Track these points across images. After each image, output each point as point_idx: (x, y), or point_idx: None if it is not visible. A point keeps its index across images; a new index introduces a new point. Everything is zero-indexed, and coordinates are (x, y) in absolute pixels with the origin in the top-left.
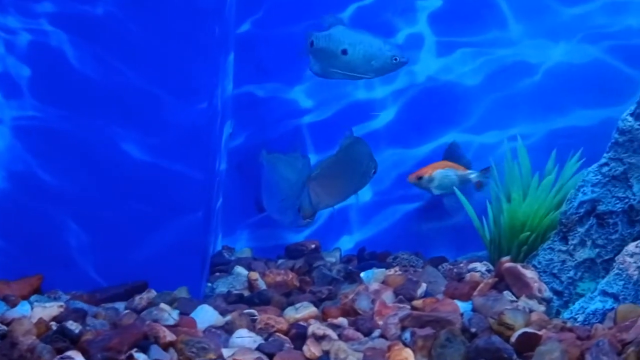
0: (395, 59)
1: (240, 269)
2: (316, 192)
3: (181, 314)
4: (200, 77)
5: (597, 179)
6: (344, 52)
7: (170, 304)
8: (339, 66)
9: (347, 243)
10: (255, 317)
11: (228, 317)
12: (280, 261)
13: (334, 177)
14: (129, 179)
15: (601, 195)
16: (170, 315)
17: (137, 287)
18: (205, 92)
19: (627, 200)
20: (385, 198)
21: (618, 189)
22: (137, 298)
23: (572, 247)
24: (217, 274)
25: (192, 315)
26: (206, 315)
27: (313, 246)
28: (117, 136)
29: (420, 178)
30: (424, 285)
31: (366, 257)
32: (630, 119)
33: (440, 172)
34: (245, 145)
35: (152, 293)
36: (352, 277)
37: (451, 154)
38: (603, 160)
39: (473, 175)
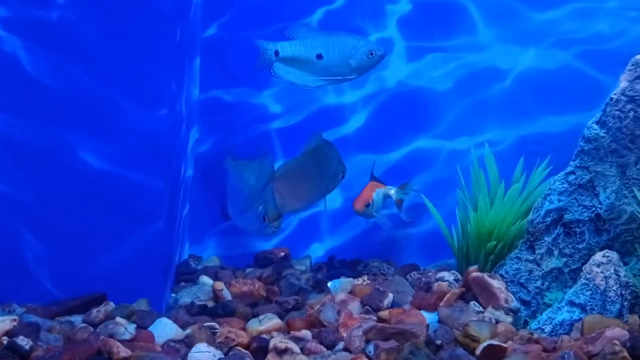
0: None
1: (205, 279)
2: (281, 193)
3: (139, 327)
4: (160, 82)
5: (563, 187)
6: (319, 56)
7: (128, 317)
8: (317, 72)
9: (318, 250)
10: (216, 330)
11: (188, 331)
12: (248, 270)
13: (299, 179)
14: (87, 188)
15: (568, 204)
16: (127, 329)
17: (94, 300)
18: (166, 98)
19: (593, 209)
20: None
21: (585, 198)
22: (94, 311)
23: (539, 256)
24: (183, 283)
25: (150, 328)
26: (165, 329)
27: (282, 254)
28: (74, 144)
29: (368, 205)
30: (390, 296)
31: (336, 265)
32: (596, 126)
33: (374, 195)
34: (212, 151)
35: (110, 305)
36: (320, 287)
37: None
38: (569, 169)
39: (392, 191)
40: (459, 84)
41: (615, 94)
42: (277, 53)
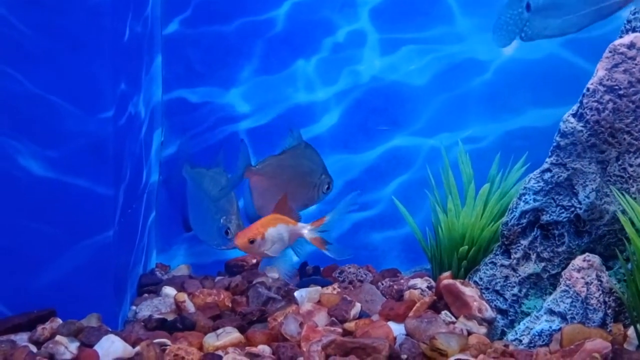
0: None
1: (169, 290)
2: (258, 191)
3: (84, 345)
4: (103, 82)
5: (539, 186)
6: None
7: (75, 334)
8: (565, 13)
9: (294, 256)
10: (166, 347)
11: (137, 348)
12: (217, 279)
13: (279, 179)
14: (30, 198)
15: (545, 204)
16: (67, 348)
17: (42, 316)
18: (111, 99)
19: (572, 209)
20: (332, 207)
21: (563, 197)
22: (39, 328)
23: (515, 261)
24: (146, 295)
25: (96, 346)
26: (112, 347)
27: (255, 261)
28: (13, 150)
29: (252, 242)
30: (358, 306)
31: (309, 272)
32: (572, 120)
33: (272, 231)
34: (179, 154)
35: (57, 322)
36: (291, 296)
37: (282, 205)
38: (545, 166)
39: (306, 230)
40: (437, 78)
41: (592, 84)
42: (528, 7)
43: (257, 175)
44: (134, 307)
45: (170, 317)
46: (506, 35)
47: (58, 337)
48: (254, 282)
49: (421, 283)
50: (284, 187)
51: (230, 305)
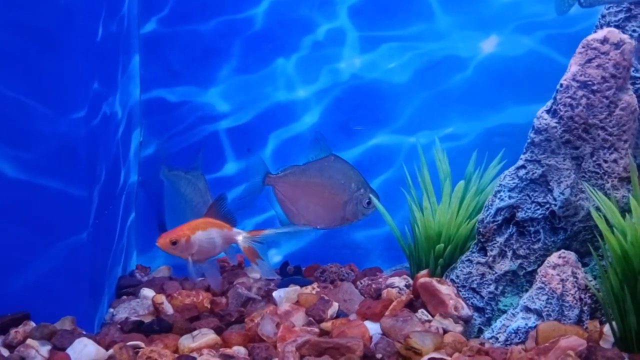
0: None
1: (147, 292)
2: (289, 198)
3: (56, 349)
4: (75, 82)
5: (514, 183)
6: None
7: (48, 337)
8: None
9: (275, 256)
10: (139, 350)
11: (110, 351)
12: (198, 279)
13: (303, 189)
14: (1, 199)
15: (520, 201)
16: (38, 352)
17: (15, 320)
18: (82, 99)
19: (548, 205)
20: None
21: (538, 194)
22: (12, 332)
23: (491, 258)
24: (124, 297)
25: (68, 350)
26: (84, 350)
27: (237, 262)
28: None
29: (174, 243)
30: (335, 305)
31: (289, 272)
32: (546, 116)
33: (201, 235)
34: (158, 155)
35: (30, 326)
36: (270, 296)
37: (217, 208)
38: (519, 163)
39: (240, 237)
40: (417, 75)
41: (565, 80)
42: None
43: (280, 183)
44: (111, 310)
45: (147, 319)
46: (565, 1)
47: (29, 341)
48: (235, 283)
49: (399, 282)
50: (309, 200)
51: (209, 306)
